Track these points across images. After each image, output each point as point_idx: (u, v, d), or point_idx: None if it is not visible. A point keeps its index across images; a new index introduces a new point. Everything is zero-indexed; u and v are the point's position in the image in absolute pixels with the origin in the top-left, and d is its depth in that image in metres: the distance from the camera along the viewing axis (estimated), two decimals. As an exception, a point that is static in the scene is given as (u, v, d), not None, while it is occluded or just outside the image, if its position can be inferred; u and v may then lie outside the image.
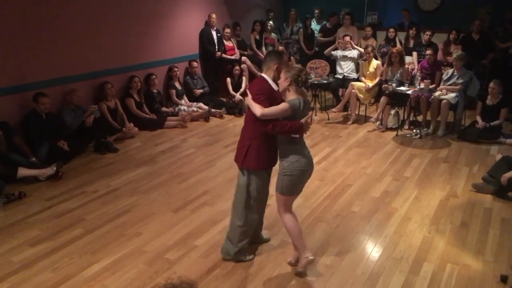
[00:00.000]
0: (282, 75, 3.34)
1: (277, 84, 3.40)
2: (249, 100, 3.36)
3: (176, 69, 7.81)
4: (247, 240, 3.63)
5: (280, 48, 8.56)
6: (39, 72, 5.86)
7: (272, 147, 3.42)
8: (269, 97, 3.32)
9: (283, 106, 3.28)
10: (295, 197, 3.51)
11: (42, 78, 5.90)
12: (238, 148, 3.57)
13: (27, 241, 3.92)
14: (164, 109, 7.58)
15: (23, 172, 5.07)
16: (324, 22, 9.90)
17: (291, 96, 3.33)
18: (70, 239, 3.96)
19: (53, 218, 4.34)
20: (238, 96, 8.20)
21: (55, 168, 5.21)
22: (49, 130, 5.65)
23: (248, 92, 3.44)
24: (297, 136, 3.35)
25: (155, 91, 7.48)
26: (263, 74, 3.45)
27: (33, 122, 5.57)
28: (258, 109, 3.26)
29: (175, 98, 7.76)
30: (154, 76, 7.39)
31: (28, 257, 3.69)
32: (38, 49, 5.82)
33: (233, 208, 3.63)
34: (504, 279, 3.38)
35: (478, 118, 6.63)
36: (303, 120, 3.31)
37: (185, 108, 7.70)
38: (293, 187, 3.40)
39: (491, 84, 6.52)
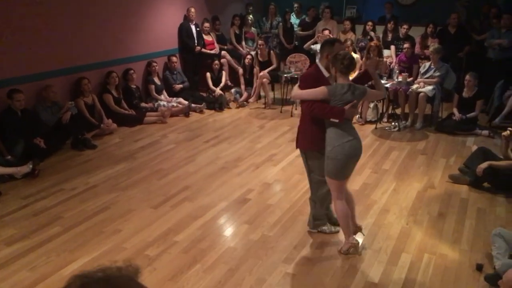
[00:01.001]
0: (330, 64, 3.51)
1: (329, 71, 3.58)
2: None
3: (155, 64, 7.73)
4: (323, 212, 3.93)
5: (260, 42, 8.54)
6: (13, 68, 5.73)
7: (319, 130, 3.55)
8: (314, 82, 3.51)
9: (318, 89, 3.43)
10: (345, 182, 3.60)
11: (17, 74, 5.76)
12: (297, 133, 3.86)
13: (3, 240, 3.85)
14: (143, 104, 7.50)
15: (-2, 170, 4.97)
16: (304, 16, 9.91)
17: (340, 82, 3.47)
18: (47, 238, 3.90)
19: (30, 217, 4.26)
20: (218, 90, 8.17)
21: (31, 166, 5.11)
22: (25, 127, 5.53)
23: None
24: (337, 121, 3.41)
25: (134, 86, 7.39)
26: (317, 62, 3.76)
27: (8, 119, 5.44)
28: (293, 91, 3.60)
29: (154, 93, 7.68)
30: (132, 71, 7.30)
31: (4, 256, 3.62)
32: (12, 44, 5.68)
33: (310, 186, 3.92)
34: (479, 267, 3.46)
35: (455, 110, 6.74)
36: (346, 106, 3.39)
37: (165, 103, 7.63)
38: (338, 171, 3.48)
39: (467, 77, 6.63)
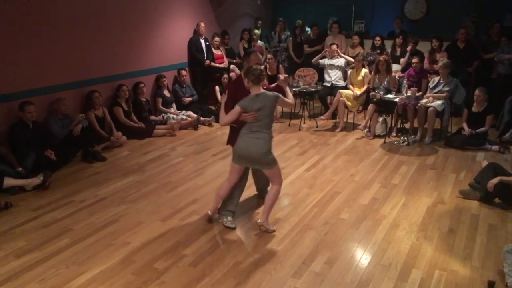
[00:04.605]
0: (243, 76, 4.01)
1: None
2: (225, 103, 4.10)
3: (164, 79, 7.80)
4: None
5: (269, 56, 8.57)
6: (25, 81, 5.81)
7: None
8: (235, 89, 4.10)
9: (234, 110, 3.97)
10: None
11: (29, 87, 5.84)
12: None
13: (13, 252, 3.86)
14: (152, 117, 7.56)
15: (9, 182, 5.00)
16: (309, 33, 9.97)
17: (253, 91, 3.96)
18: (57, 250, 3.91)
19: (40, 229, 4.28)
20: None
21: (42, 178, 5.15)
22: (36, 139, 5.59)
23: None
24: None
25: (144, 99, 7.45)
26: (241, 72, 4.18)
27: (20, 131, 5.50)
28: (220, 119, 4.22)
29: (160, 106, 7.73)
30: (142, 85, 7.37)
31: (14, 268, 3.63)
32: (24, 58, 5.78)
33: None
34: (491, 284, 3.41)
35: (464, 125, 6.71)
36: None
37: (174, 116, 7.68)
38: None
39: (477, 92, 6.62)
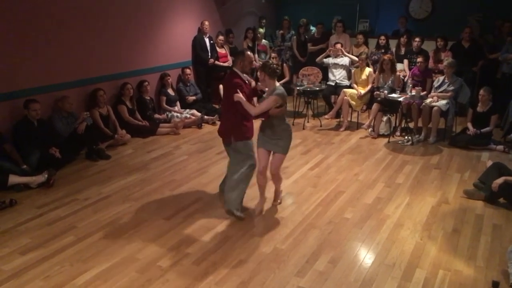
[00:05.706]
0: (259, 70, 4.29)
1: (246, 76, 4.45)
2: (240, 97, 4.21)
3: (168, 77, 7.81)
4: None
5: (273, 55, 8.59)
6: (30, 79, 5.83)
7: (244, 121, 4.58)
8: (240, 86, 4.28)
9: (271, 99, 4.13)
10: None
11: (34, 85, 5.87)
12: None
13: (18, 249, 3.88)
14: (156, 116, 7.57)
15: (14, 179, 5.03)
16: (313, 31, 9.94)
17: (273, 85, 4.26)
18: (61, 247, 3.92)
19: (44, 226, 4.30)
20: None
21: (46, 176, 5.17)
22: (41, 137, 5.62)
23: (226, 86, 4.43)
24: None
25: (148, 98, 7.47)
26: (234, 68, 4.45)
27: (25, 129, 5.54)
28: (252, 110, 4.21)
29: (164, 104, 7.74)
30: (146, 83, 7.39)
31: (18, 265, 3.65)
32: (29, 56, 5.80)
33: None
34: (495, 285, 3.39)
35: (469, 125, 6.69)
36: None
37: (178, 115, 7.69)
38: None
39: (481, 91, 6.59)
